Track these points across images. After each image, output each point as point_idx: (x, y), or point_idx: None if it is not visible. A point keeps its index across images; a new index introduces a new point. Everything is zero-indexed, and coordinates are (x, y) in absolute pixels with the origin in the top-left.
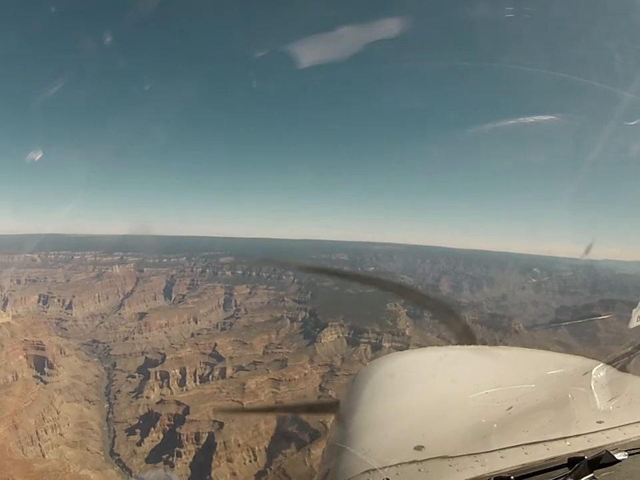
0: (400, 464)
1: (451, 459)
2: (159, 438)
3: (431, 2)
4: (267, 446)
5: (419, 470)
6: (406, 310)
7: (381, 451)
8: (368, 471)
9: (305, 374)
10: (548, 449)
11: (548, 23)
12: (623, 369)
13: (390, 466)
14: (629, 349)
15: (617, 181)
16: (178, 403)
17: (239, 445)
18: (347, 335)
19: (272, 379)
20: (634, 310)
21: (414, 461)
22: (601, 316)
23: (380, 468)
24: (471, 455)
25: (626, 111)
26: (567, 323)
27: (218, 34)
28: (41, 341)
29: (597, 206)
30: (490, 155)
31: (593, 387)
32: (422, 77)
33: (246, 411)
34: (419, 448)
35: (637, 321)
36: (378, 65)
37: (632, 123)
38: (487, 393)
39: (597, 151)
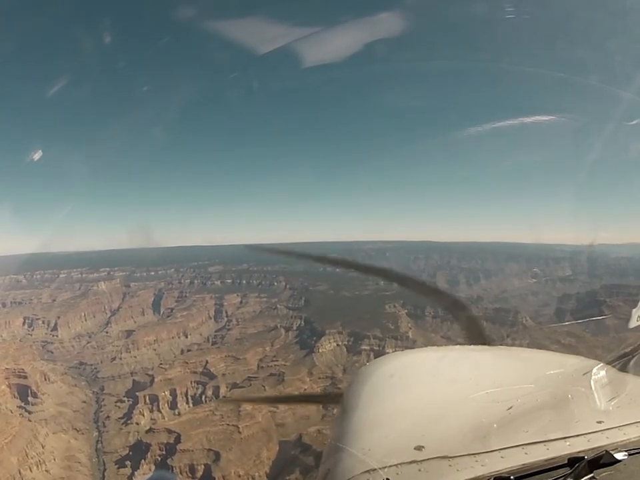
0: (400, 464)
1: (450, 459)
2: (150, 470)
3: (432, 2)
4: (267, 471)
5: (419, 470)
6: (406, 310)
7: (380, 451)
8: (368, 471)
9: (305, 389)
10: (548, 449)
11: (548, 23)
12: (623, 369)
13: (390, 466)
14: (629, 349)
15: (605, 168)
16: (169, 431)
17: (239, 476)
18: (346, 343)
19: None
20: (634, 310)
21: (414, 461)
22: (605, 306)
23: (380, 468)
24: (470, 455)
25: (626, 111)
26: (570, 323)
27: (217, 34)
28: (22, 369)
29: (586, 193)
30: (480, 149)
31: (592, 387)
32: (420, 77)
33: (250, 401)
34: (418, 448)
35: (637, 321)
36: (376, 65)
37: (632, 123)
38: (487, 392)
39: (594, 149)
